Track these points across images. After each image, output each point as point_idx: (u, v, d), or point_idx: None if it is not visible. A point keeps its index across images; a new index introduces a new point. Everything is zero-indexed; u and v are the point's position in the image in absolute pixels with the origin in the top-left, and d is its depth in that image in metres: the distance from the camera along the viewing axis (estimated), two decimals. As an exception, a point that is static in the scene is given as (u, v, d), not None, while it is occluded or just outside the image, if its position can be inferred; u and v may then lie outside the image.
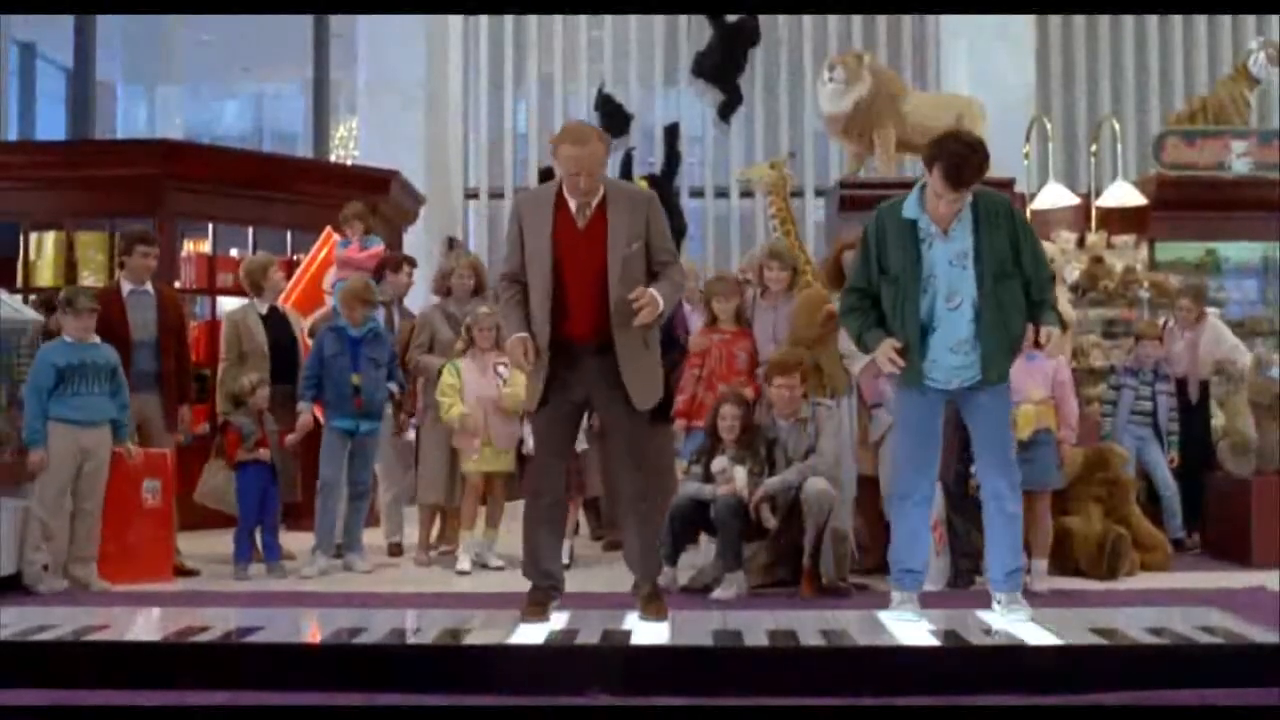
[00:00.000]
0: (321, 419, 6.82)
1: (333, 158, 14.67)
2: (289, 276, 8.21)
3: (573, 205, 4.84)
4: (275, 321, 7.33)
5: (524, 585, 5.00)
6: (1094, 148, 10.99)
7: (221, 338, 7.45)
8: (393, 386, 6.85)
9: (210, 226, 9.17)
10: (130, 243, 6.75)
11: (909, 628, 4.66)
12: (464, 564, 6.64)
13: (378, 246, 7.90)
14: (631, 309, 4.72)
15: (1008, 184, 9.41)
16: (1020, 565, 5.04)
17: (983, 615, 4.88)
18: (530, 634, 4.55)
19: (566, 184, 4.83)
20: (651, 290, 4.75)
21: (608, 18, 13.59)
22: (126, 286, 6.69)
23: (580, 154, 4.74)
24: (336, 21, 13.79)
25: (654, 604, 4.87)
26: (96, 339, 6.21)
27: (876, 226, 4.94)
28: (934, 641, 4.49)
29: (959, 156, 4.65)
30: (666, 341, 7.40)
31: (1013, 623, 4.69)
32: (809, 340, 6.35)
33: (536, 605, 4.86)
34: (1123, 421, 7.29)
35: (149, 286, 6.73)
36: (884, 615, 4.88)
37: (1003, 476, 4.93)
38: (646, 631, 4.61)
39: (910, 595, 4.96)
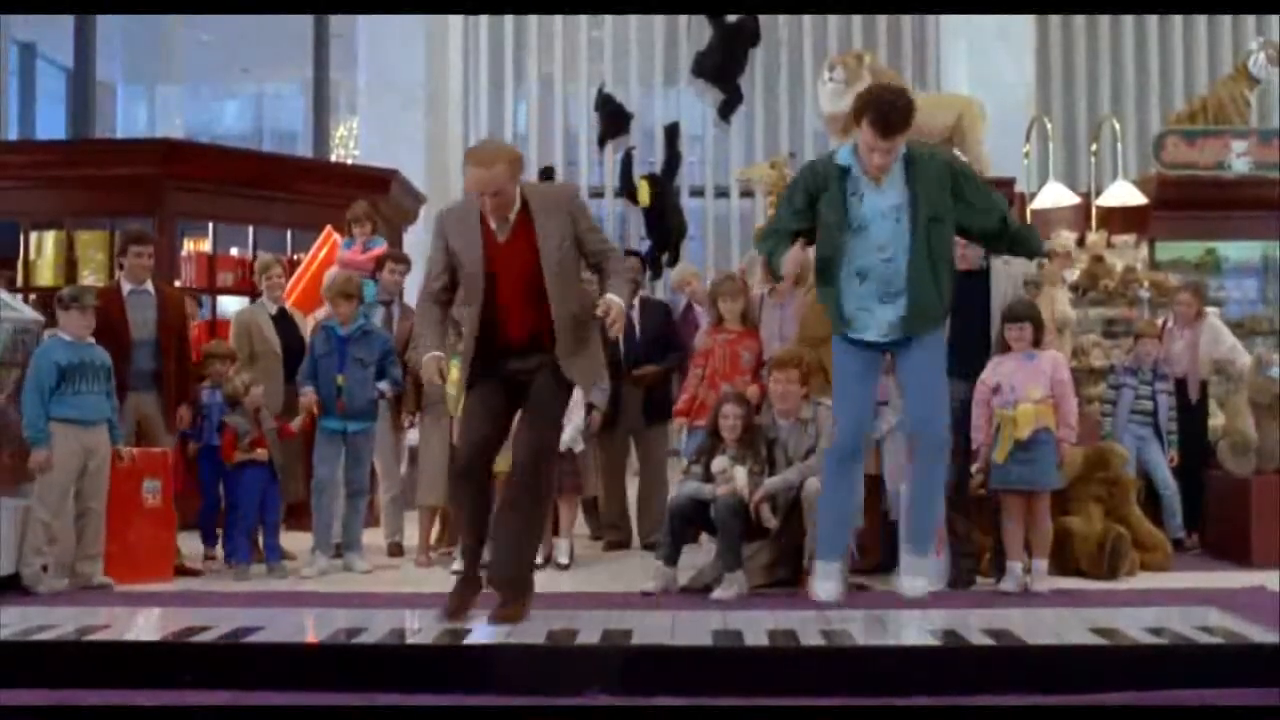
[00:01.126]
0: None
1: (333, 157, 14.68)
2: (289, 276, 8.21)
3: (493, 221, 4.82)
4: (284, 322, 7.33)
5: (523, 585, 4.99)
6: (1094, 147, 10.99)
7: (230, 339, 7.43)
8: (383, 386, 6.78)
9: (210, 226, 9.17)
10: (125, 243, 6.75)
11: (908, 628, 4.65)
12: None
13: (380, 247, 7.88)
14: (572, 311, 4.78)
15: (1008, 183, 9.42)
16: (935, 526, 5.01)
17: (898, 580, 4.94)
18: (530, 633, 4.55)
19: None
20: (609, 297, 4.77)
21: (608, 18, 13.59)
22: (126, 286, 6.69)
23: (482, 175, 4.71)
24: (336, 21, 13.81)
25: (513, 607, 4.81)
26: (92, 339, 6.21)
27: (811, 171, 5.03)
28: (934, 641, 4.50)
29: (885, 104, 4.74)
30: (667, 346, 7.45)
31: (909, 589, 4.72)
32: (816, 340, 6.34)
33: (457, 595, 4.91)
34: (1122, 421, 7.28)
35: (149, 286, 6.73)
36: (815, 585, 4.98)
37: (933, 429, 4.92)
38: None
39: (837, 567, 4.99)
